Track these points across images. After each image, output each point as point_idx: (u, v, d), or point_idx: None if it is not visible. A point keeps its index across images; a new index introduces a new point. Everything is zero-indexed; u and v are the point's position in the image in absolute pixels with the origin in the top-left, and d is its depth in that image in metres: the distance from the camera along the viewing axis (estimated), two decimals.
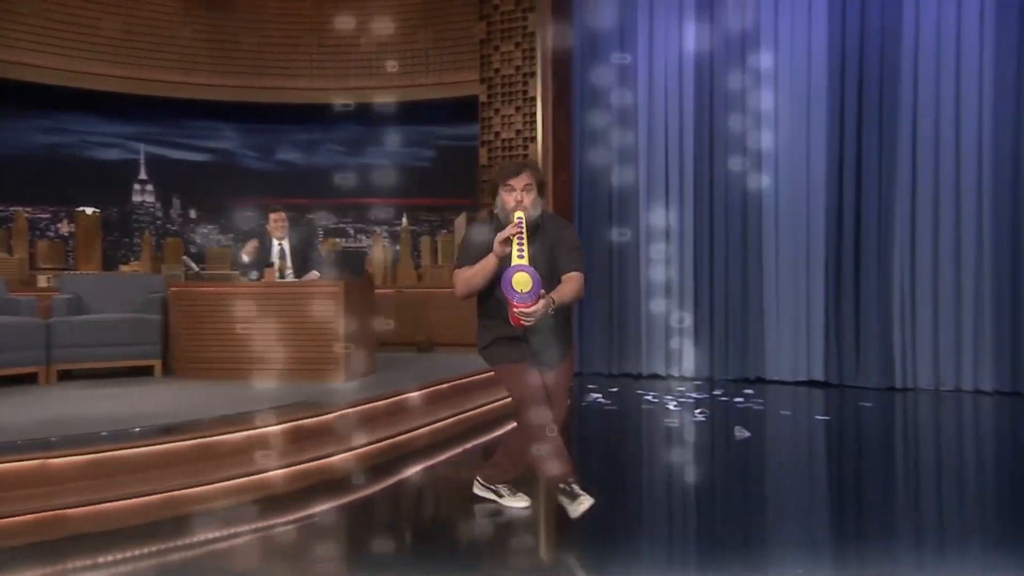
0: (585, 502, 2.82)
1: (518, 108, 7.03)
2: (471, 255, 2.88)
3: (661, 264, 7.24)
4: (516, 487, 3.30)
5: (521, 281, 2.58)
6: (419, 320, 7.64)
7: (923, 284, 6.45)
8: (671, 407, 5.81)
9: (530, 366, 2.90)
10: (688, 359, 7.16)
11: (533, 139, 6.97)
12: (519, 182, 2.84)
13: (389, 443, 4.27)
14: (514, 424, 3.05)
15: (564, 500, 2.86)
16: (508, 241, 2.68)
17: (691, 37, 7.08)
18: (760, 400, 6.03)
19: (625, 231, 7.42)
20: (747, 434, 4.77)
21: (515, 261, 2.63)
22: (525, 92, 7.01)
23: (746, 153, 6.88)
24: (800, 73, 6.81)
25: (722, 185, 7.02)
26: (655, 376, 7.29)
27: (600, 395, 6.36)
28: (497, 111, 7.13)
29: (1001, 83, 6.19)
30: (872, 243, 6.54)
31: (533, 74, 6.97)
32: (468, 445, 4.65)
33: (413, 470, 4.06)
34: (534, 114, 6.95)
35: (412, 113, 7.90)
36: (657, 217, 7.30)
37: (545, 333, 2.87)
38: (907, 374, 6.50)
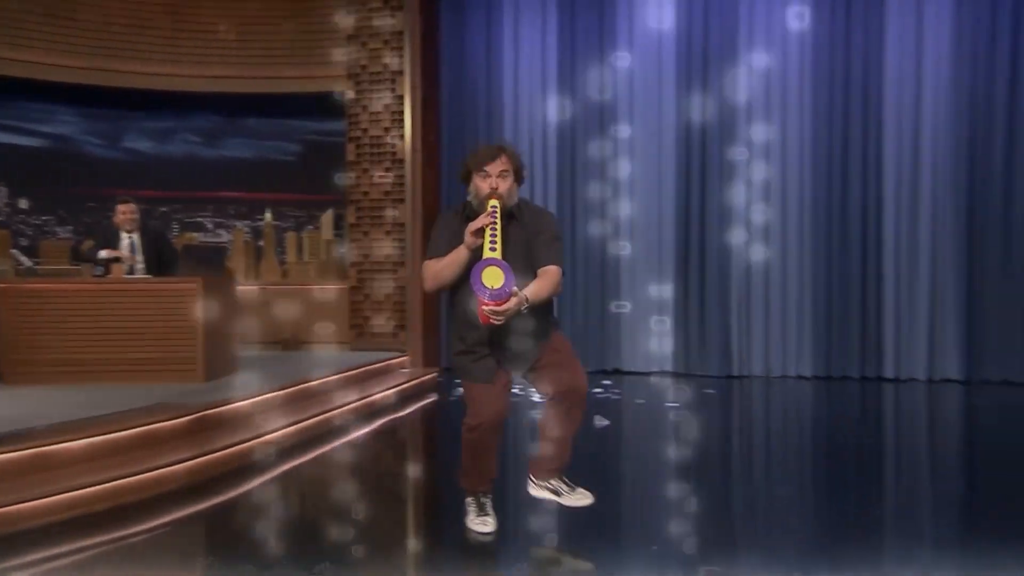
0: (487, 524, 2.86)
1: (387, 106, 7.03)
2: (441, 246, 2.69)
3: None
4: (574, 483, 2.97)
5: (492, 276, 2.37)
6: (285, 318, 7.46)
7: (757, 285, 7.13)
8: (536, 399, 6.07)
9: (505, 372, 2.75)
10: None
11: (401, 137, 6.99)
12: (495, 167, 2.62)
13: (251, 444, 4.18)
14: (543, 411, 2.86)
15: (470, 507, 2.91)
16: (480, 232, 2.49)
17: (553, 42, 7.39)
18: (618, 390, 6.43)
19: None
20: (606, 422, 5.09)
21: (487, 254, 2.43)
22: (393, 90, 7.01)
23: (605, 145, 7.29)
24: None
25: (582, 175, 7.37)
26: None
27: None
28: (365, 108, 7.08)
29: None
30: (714, 254, 7.15)
31: (401, 72, 6.99)
32: (335, 443, 4.63)
33: (277, 472, 4.01)
34: (403, 112, 6.97)
35: (277, 106, 7.67)
36: None
37: (518, 334, 2.66)
38: (743, 363, 7.17)
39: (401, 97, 6.98)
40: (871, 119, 6.90)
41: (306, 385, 5.22)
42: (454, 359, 2.83)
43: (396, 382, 6.22)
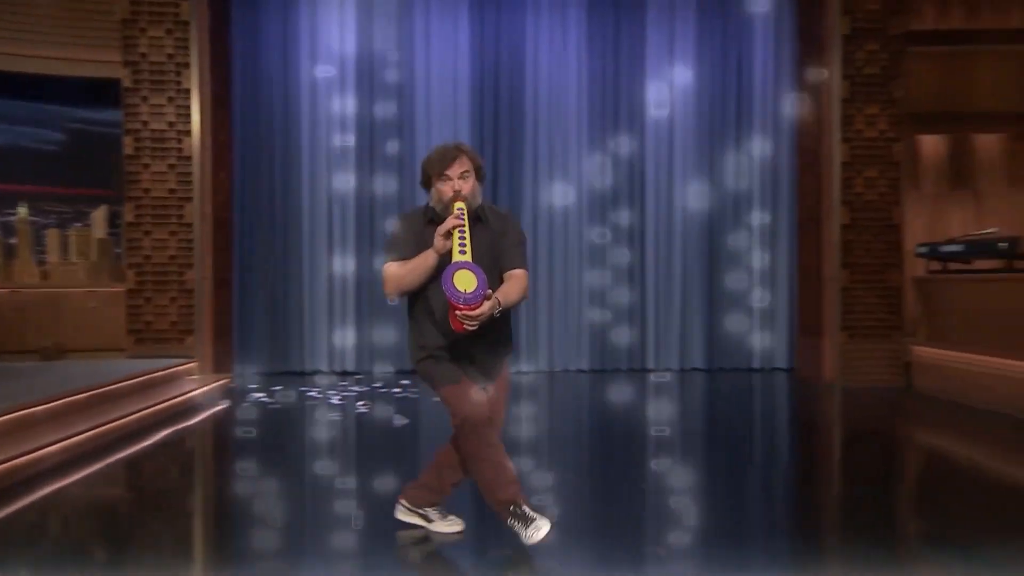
0: (543, 526, 2.56)
1: (171, 99, 6.59)
2: (401, 249, 2.57)
3: (323, 262, 7.49)
4: (446, 510, 2.96)
5: (464, 280, 2.28)
6: (44, 324, 6.71)
7: (542, 281, 7.77)
8: (335, 401, 6.11)
9: (470, 380, 2.62)
10: (350, 355, 7.53)
11: (188, 133, 6.61)
12: (455, 170, 2.55)
13: (7, 466, 3.78)
14: (448, 442, 2.77)
15: (516, 525, 2.60)
16: (449, 235, 2.42)
17: (352, 40, 7.45)
18: (416, 389, 6.65)
19: (289, 231, 7.50)
20: (405, 420, 5.29)
21: (456, 257, 2.34)
22: (179, 83, 6.60)
23: (400, 164, 7.50)
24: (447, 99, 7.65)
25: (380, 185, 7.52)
26: (318, 372, 7.52)
27: (263, 394, 6.36)
28: (145, 99, 6.58)
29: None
30: None
31: (187, 65, 6.61)
32: (108, 460, 4.32)
33: (40, 494, 3.68)
34: (189, 107, 6.60)
35: (34, 88, 6.86)
36: (319, 217, 7.54)
37: (487, 339, 2.57)
38: (531, 358, 7.78)
39: (188, 91, 6.60)
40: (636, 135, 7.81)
41: (75, 398, 4.79)
42: (417, 365, 2.72)
43: (183, 390, 5.90)
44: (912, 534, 3.37)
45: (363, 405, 5.95)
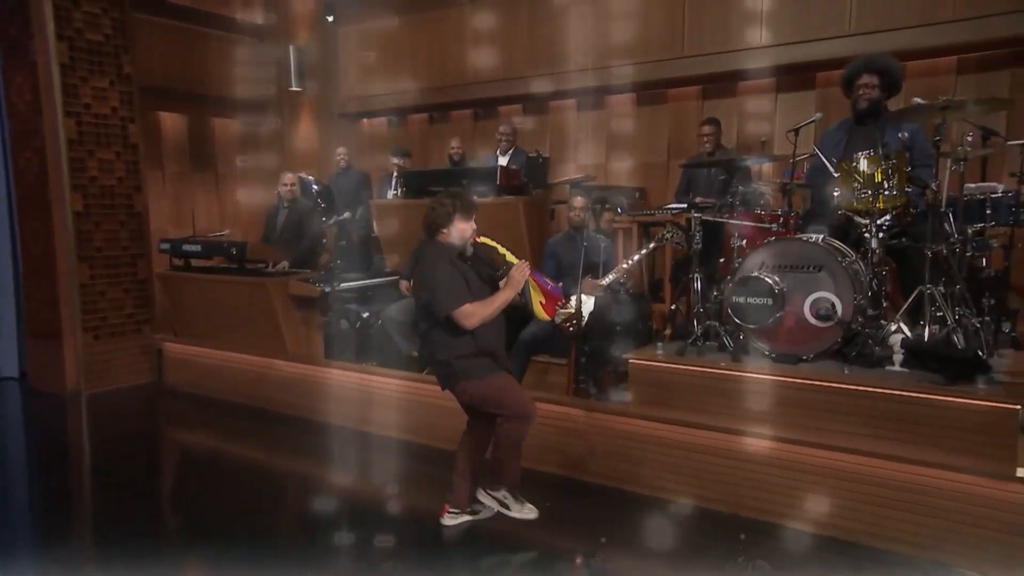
0: (532, 512, 3.42)
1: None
2: (464, 290, 3.16)
3: None
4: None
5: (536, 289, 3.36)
6: None
7: None
8: None
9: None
10: None
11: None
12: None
13: None
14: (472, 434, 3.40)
15: (510, 499, 3.41)
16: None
17: None
18: None
19: None
20: None
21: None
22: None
23: None
24: None
25: None
26: None
27: None
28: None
29: None
30: None
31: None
32: None
33: None
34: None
35: None
36: None
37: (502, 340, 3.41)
38: None
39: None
40: None
41: None
42: (458, 364, 3.20)
43: None
44: (174, 530, 3.56)
45: None
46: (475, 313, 3.10)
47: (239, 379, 5.62)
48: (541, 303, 3.33)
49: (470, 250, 3.26)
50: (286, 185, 6.15)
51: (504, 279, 3.26)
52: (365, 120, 8.61)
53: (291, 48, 7.97)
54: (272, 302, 5.45)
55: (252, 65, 7.80)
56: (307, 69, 8.05)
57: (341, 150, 7.20)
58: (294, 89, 8.05)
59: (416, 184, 5.42)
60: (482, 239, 3.26)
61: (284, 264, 5.84)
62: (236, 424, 5.27)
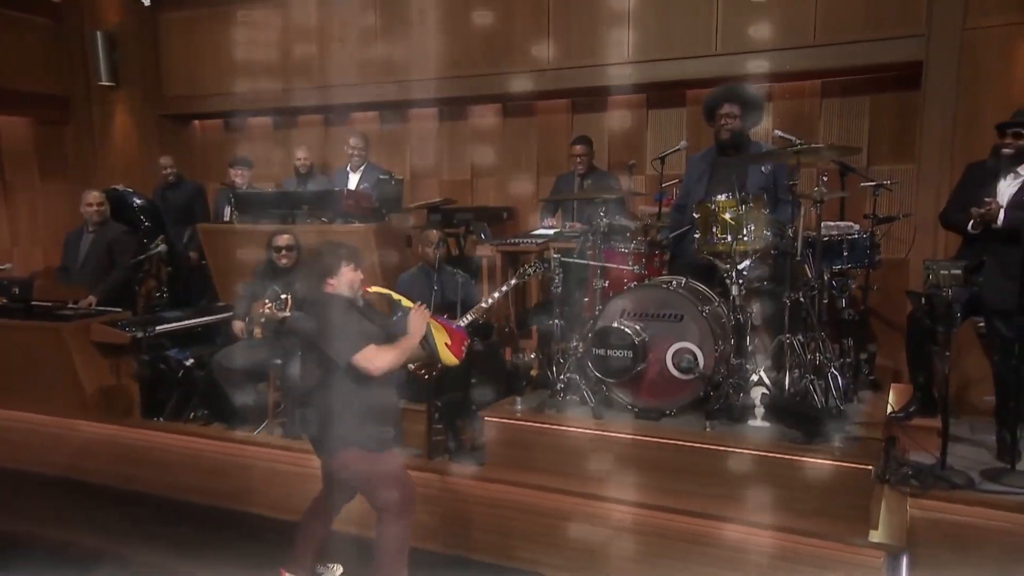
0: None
1: None
2: (360, 334, 2.83)
3: None
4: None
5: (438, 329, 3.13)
6: None
7: None
8: None
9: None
10: None
11: None
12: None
13: None
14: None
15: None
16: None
17: None
18: None
19: None
20: None
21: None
22: None
23: None
24: None
25: None
26: None
27: None
28: None
29: None
30: None
31: None
32: None
33: None
34: None
35: None
36: None
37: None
38: None
39: None
40: None
41: None
42: (346, 426, 2.76)
43: None
44: None
45: None
46: (379, 355, 2.74)
47: (32, 444, 4.64)
48: (447, 344, 3.08)
49: (360, 301, 2.93)
50: (91, 205, 5.12)
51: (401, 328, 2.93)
52: (196, 122, 7.53)
53: (98, 34, 6.81)
54: (68, 351, 4.50)
55: (47, 52, 6.73)
56: (119, 60, 6.90)
57: (166, 160, 6.16)
58: (105, 84, 6.91)
59: (250, 207, 4.80)
60: (374, 289, 3.06)
61: (91, 300, 4.87)
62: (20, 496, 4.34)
